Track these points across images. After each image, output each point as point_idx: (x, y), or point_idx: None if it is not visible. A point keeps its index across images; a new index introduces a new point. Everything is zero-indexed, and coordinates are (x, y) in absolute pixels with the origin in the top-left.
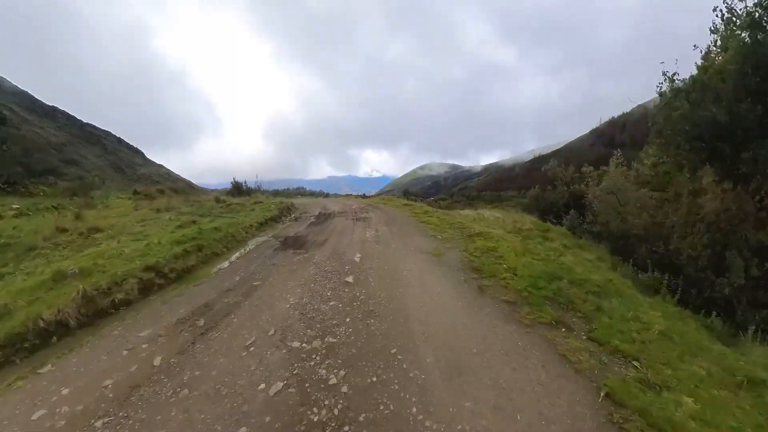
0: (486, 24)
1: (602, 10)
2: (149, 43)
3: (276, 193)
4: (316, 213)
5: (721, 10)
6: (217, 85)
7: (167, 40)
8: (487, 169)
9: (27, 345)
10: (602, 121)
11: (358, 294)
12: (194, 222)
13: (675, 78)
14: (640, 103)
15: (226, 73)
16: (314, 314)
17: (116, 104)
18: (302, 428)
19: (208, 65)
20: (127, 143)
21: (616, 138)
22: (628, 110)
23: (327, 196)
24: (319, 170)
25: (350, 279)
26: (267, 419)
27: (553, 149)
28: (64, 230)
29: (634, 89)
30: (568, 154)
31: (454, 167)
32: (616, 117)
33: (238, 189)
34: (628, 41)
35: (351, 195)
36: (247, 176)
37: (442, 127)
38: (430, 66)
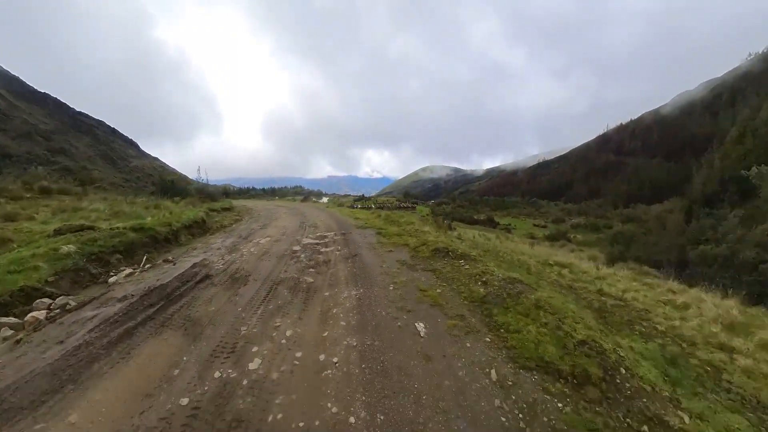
0: (492, 25)
1: (611, 13)
2: (148, 32)
3: (273, 192)
4: (176, 276)
5: None
6: (216, 79)
7: (167, 30)
8: (489, 173)
9: None
10: (609, 127)
11: None
12: None
13: None
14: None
15: (226, 67)
16: None
17: (112, 93)
18: None
19: (209, 58)
20: (122, 134)
21: (626, 144)
22: (636, 116)
23: (305, 199)
24: (320, 169)
25: None
26: None
27: (558, 154)
28: None
29: (642, 95)
30: (574, 160)
31: (456, 170)
32: (625, 123)
33: (164, 189)
34: (636, 46)
35: (349, 196)
36: (246, 173)
37: (444, 129)
38: (434, 65)
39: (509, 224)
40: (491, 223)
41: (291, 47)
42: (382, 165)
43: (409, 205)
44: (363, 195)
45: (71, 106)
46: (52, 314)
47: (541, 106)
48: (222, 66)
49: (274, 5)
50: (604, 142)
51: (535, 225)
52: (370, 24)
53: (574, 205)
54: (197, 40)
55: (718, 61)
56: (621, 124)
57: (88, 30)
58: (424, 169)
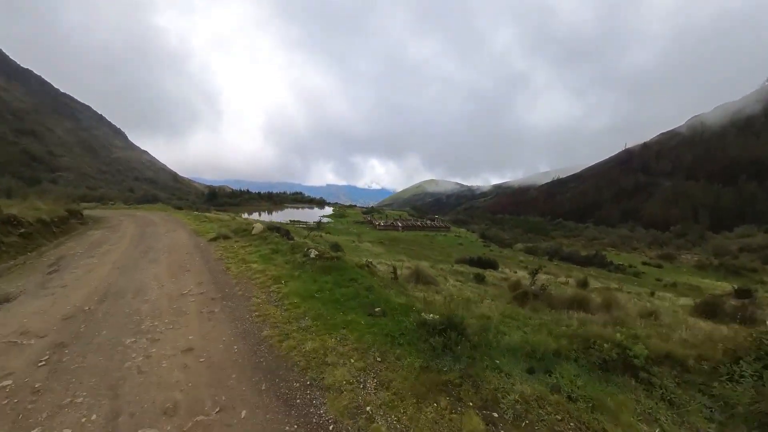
0: (512, 38)
1: (635, 33)
2: (150, 17)
3: (270, 197)
4: None
5: None
6: (219, 75)
7: (170, 18)
8: (496, 189)
9: None
10: (627, 145)
11: None
12: None
13: None
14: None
15: (230, 62)
16: None
17: (105, 78)
18: None
19: (212, 51)
20: (109, 122)
21: (652, 165)
22: (655, 135)
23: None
24: (320, 177)
25: None
26: None
27: (571, 172)
28: None
29: (661, 117)
30: (595, 180)
31: (459, 185)
32: (649, 140)
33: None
34: (656, 67)
35: (354, 207)
36: (245, 176)
37: (451, 142)
38: (450, 73)
39: (631, 265)
40: (608, 264)
41: (300, 44)
42: (383, 177)
43: (441, 225)
44: (373, 207)
45: (56, 87)
46: None
47: (554, 122)
48: (226, 60)
49: (281, 1)
50: (624, 161)
51: (644, 263)
52: (388, 26)
53: (610, 227)
54: (201, 30)
55: (740, 84)
56: (644, 143)
57: (84, 7)
58: (428, 182)
